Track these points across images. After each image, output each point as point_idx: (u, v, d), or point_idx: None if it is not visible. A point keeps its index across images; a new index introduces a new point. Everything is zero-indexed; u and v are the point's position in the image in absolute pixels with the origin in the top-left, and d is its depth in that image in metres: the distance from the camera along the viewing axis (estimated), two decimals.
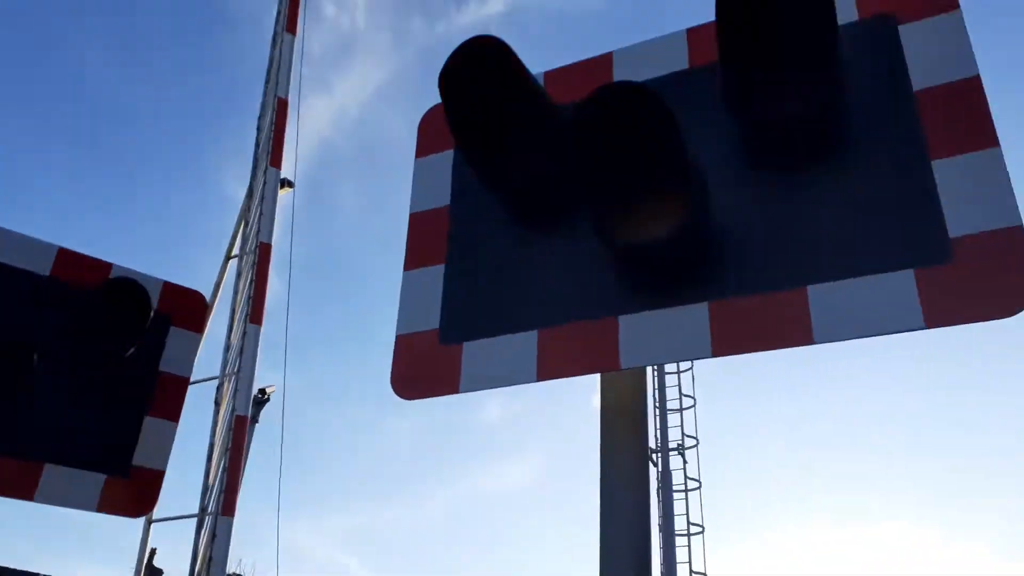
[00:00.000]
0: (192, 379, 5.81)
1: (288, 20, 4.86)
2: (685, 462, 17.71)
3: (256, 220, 5.55)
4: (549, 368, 1.77)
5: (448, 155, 2.16)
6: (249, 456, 17.13)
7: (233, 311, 5.40)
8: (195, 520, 5.22)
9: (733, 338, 1.61)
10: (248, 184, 5.47)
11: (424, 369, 1.90)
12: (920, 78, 1.64)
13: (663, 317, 1.70)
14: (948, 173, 1.55)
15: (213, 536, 5.11)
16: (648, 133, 1.49)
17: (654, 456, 18.03)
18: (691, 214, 1.62)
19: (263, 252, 5.42)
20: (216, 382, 5.44)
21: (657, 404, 18.25)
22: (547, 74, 2.13)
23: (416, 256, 2.07)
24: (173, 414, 3.01)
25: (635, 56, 2.00)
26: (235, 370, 5.25)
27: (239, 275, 5.46)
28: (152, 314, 2.76)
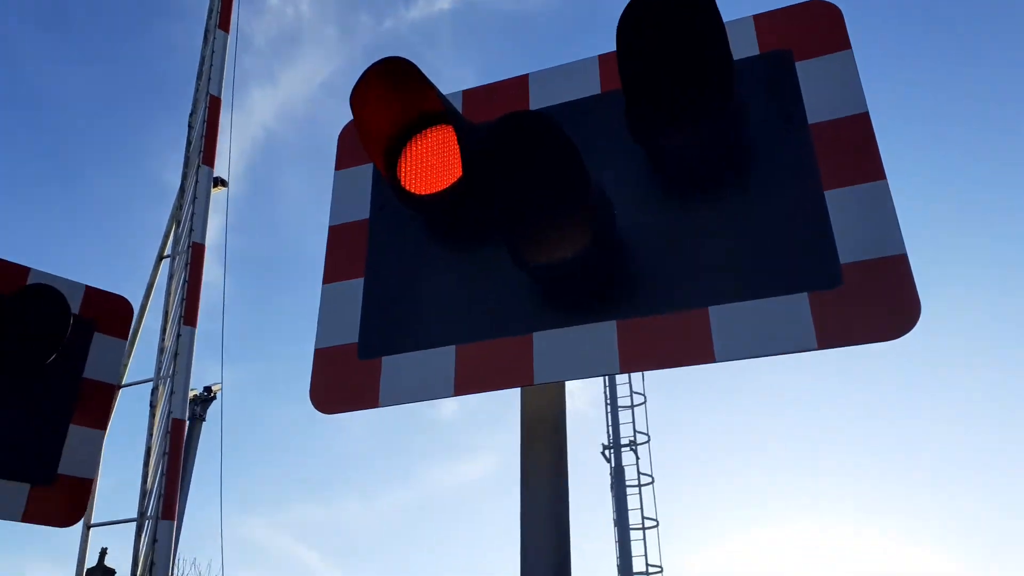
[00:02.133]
0: (127, 382, 5.72)
1: (221, 17, 4.78)
2: (638, 458, 18.01)
3: (188, 219, 5.46)
4: (466, 383, 1.81)
5: (368, 168, 2.18)
6: (197, 454, 16.86)
7: (166, 313, 5.31)
8: (134, 524, 5.15)
9: (639, 355, 1.68)
10: (180, 183, 5.37)
11: (343, 383, 1.93)
12: (814, 112, 1.72)
13: (574, 334, 1.75)
14: (839, 203, 1.63)
15: (154, 540, 5.04)
16: (550, 161, 1.54)
17: (607, 452, 18.30)
18: (597, 236, 1.67)
19: (196, 252, 5.35)
20: (151, 385, 5.36)
21: (608, 401, 18.52)
22: (465, 92, 2.16)
23: (335, 270, 2.09)
24: (100, 422, 2.96)
25: (550, 79, 2.04)
26: (170, 373, 5.18)
27: (171, 276, 5.37)
28: (72, 321, 2.72)
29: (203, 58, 4.85)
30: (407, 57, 1.78)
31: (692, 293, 1.68)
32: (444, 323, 1.89)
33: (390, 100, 1.77)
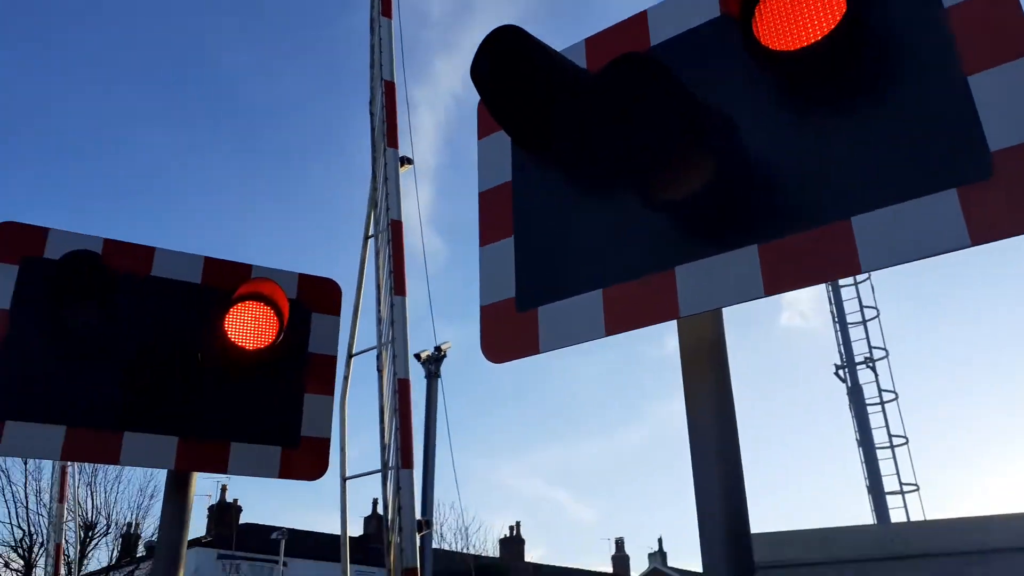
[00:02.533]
0: (356, 351, 6.40)
1: (383, 5, 5.08)
2: (876, 375, 16.95)
3: (384, 199, 5.93)
4: (615, 323, 1.88)
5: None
6: (439, 407, 18.34)
7: (378, 286, 5.85)
8: (380, 475, 5.83)
9: (783, 276, 1.65)
10: (371, 167, 5.84)
11: (507, 335, 2.08)
12: None
13: (716, 264, 1.75)
14: (984, 86, 1.49)
15: (398, 488, 5.67)
16: (660, 98, 1.55)
17: (840, 372, 17.34)
18: (726, 164, 1.66)
19: (395, 229, 5.81)
20: (376, 351, 5.97)
21: (836, 320, 17.50)
22: (587, 41, 2.18)
23: (488, 232, 2.23)
24: (328, 389, 3.39)
25: (667, 10, 2.01)
26: (390, 339, 5.72)
27: (377, 252, 5.89)
28: (290, 306, 3.12)
29: (372, 47, 5.20)
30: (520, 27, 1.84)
31: (832, 206, 1.62)
32: (589, 269, 1.97)
33: (505, 72, 1.85)
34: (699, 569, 1.81)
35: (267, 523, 33.28)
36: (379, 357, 5.83)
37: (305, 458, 3.22)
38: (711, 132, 1.63)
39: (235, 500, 38.18)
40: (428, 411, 17.74)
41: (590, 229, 2.00)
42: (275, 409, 3.22)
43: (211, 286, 3.23)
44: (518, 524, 45.80)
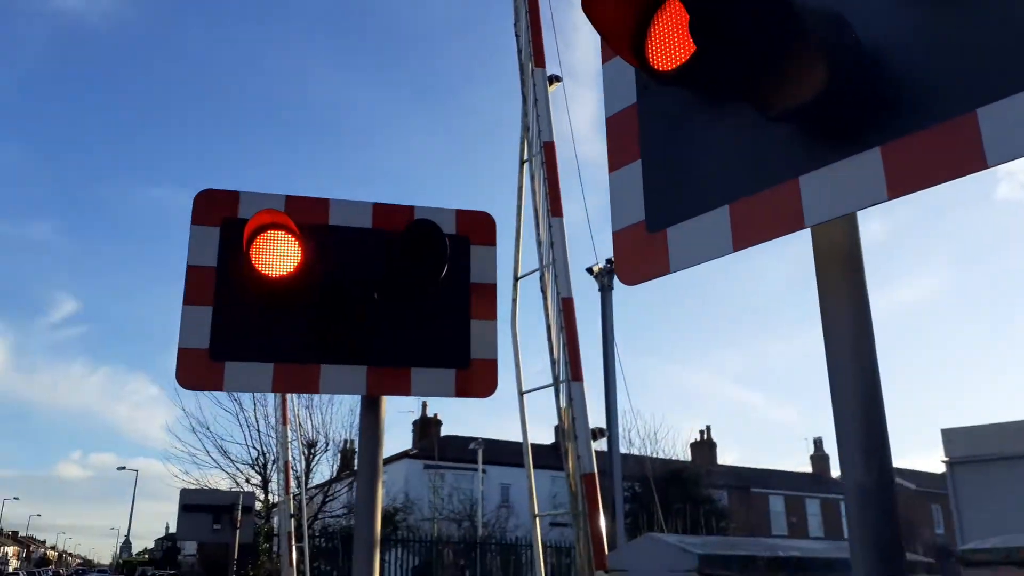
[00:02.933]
0: (521, 274, 6.69)
1: None
2: None
3: (535, 122, 6.04)
4: (742, 238, 1.93)
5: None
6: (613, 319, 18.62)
7: (535, 210, 6.03)
8: (552, 389, 6.15)
9: (905, 177, 1.62)
10: (521, 91, 5.94)
11: (639, 257, 2.18)
12: None
13: (838, 170, 1.74)
14: None
15: (570, 399, 5.99)
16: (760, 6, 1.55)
17: None
18: (839, 66, 1.63)
19: (548, 151, 5.92)
20: (538, 273, 6.21)
21: None
22: None
23: (616, 157, 2.31)
24: (490, 314, 3.66)
25: None
26: (551, 260, 5.93)
27: (532, 177, 6.04)
28: (449, 241, 3.38)
29: None
30: None
31: (954, 99, 1.55)
32: (714, 186, 2.01)
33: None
34: (909, 465, 1.85)
35: (466, 435, 35.68)
36: (542, 278, 6.07)
37: (476, 378, 3.53)
38: (821, 31, 1.60)
39: (435, 415, 41.22)
40: (604, 323, 18.02)
41: (713, 147, 2.03)
42: (446, 336, 3.54)
43: (380, 229, 3.55)
44: (708, 428, 45.87)
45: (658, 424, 55.78)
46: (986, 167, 1.50)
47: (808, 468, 50.51)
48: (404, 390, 3.45)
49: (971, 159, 1.52)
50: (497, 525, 28.46)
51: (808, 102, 1.70)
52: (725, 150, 1.99)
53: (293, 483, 18.43)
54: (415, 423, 41.57)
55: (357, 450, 3.57)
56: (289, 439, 17.56)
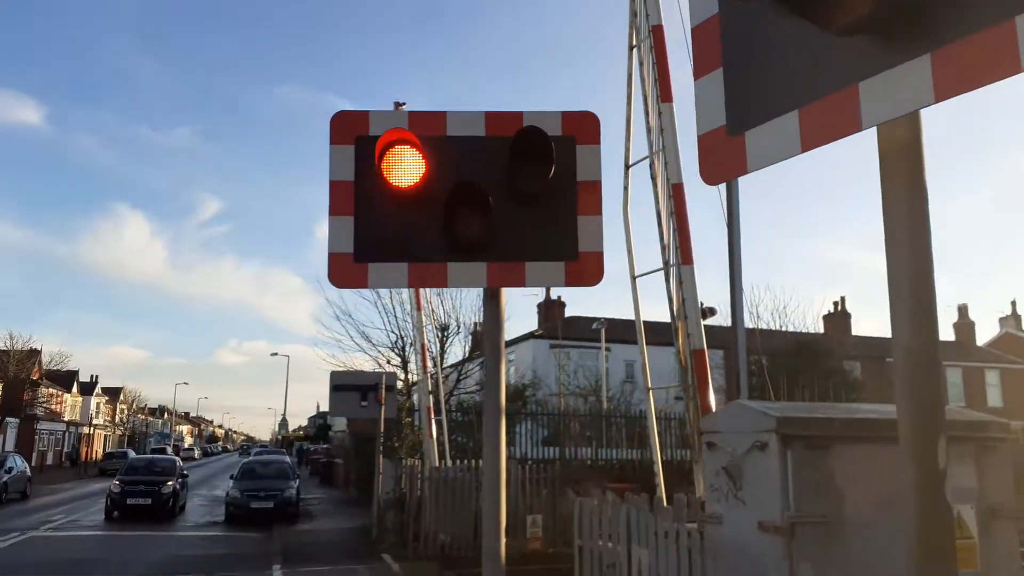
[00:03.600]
0: (632, 161, 6.87)
1: None
2: None
3: (643, 5, 6.03)
4: (809, 140, 2.16)
5: None
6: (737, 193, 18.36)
7: (644, 97, 6.12)
8: (663, 272, 6.43)
9: (950, 81, 1.80)
10: None
11: (720, 159, 2.44)
12: None
13: (892, 76, 1.93)
14: None
15: (680, 282, 6.27)
16: None
17: None
18: None
19: (657, 34, 5.93)
20: (648, 160, 6.36)
21: None
22: None
23: (700, 65, 2.53)
24: (596, 209, 3.98)
25: None
26: (661, 147, 6.08)
27: (641, 63, 6.09)
28: (555, 142, 3.69)
29: None
30: None
31: (993, 9, 1.71)
32: (785, 93, 2.22)
33: None
34: None
35: (590, 315, 36.49)
36: (652, 165, 6.23)
37: (584, 268, 3.91)
38: None
39: (559, 297, 42.28)
40: (729, 196, 17.76)
41: (784, 56, 2.23)
42: (556, 231, 3.91)
43: (493, 136, 3.90)
44: (843, 299, 44.64)
45: (788, 298, 54.60)
46: (1020, 72, 1.67)
47: (951, 336, 48.52)
48: (519, 282, 3.87)
49: (1009, 64, 1.69)
50: (622, 399, 29.51)
51: (862, 18, 1.88)
52: (794, 59, 2.19)
53: (430, 363, 19.85)
54: (539, 305, 42.90)
55: (484, 333, 4.08)
56: (423, 324, 18.77)
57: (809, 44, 2.14)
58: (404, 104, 15.95)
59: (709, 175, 2.49)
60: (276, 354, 79.74)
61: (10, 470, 32.53)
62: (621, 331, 34.13)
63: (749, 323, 21.15)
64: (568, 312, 41.81)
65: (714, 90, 2.48)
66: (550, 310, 41.68)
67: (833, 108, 2.09)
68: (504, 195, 3.79)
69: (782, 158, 2.25)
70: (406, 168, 3.74)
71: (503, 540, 3.82)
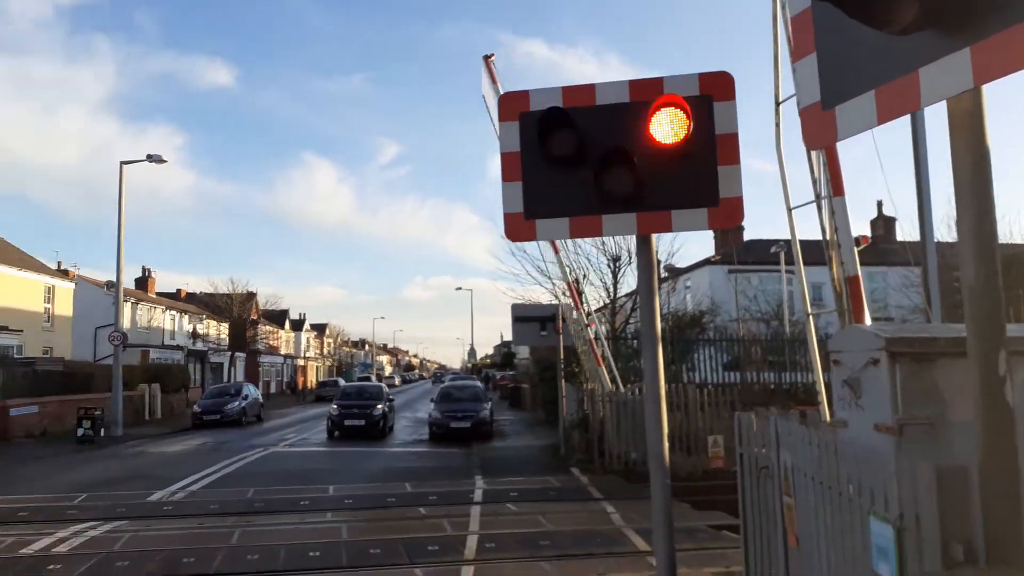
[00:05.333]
0: (780, 99, 7.06)
1: None
2: None
3: None
4: (883, 115, 2.61)
5: None
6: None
7: (789, 38, 6.30)
8: (814, 204, 6.66)
9: (988, 69, 2.22)
10: None
11: (818, 128, 2.92)
12: None
13: (942, 64, 2.35)
14: None
15: (832, 213, 6.49)
16: None
17: None
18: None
19: None
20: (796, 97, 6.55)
21: None
22: None
23: (799, 49, 2.99)
24: (734, 159, 4.45)
25: None
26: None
27: (784, 4, 6.24)
28: (691, 104, 4.21)
29: None
30: None
31: (1016, 11, 2.09)
32: (865, 75, 2.67)
33: None
34: None
35: (770, 237, 35.50)
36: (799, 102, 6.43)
37: (725, 212, 4.42)
38: None
39: None
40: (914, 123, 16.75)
41: (863, 45, 2.67)
42: (698, 181, 4.44)
43: (637, 101, 4.47)
44: None
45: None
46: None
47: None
48: (666, 227, 4.44)
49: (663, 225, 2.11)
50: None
51: (911, 23, 2.31)
52: (870, 47, 2.64)
53: (603, 293, 20.60)
54: (716, 232, 42.11)
55: (637, 273, 4.74)
56: (566, 264, 19.59)
57: (880, 35, 2.58)
58: (492, 56, 18.07)
59: (811, 142, 3.00)
60: (460, 288, 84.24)
61: (246, 397, 37.67)
62: (804, 253, 33.00)
63: (947, 237, 19.95)
64: (748, 236, 40.80)
65: (810, 71, 2.98)
66: (726, 235, 40.87)
67: (900, 90, 2.56)
68: (649, 152, 4.36)
69: (863, 129, 2.73)
70: (563, 137, 4.42)
71: (666, 448, 4.43)
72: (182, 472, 18.25)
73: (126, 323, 34.54)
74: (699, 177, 4.45)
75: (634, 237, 4.62)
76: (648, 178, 4.38)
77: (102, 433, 27.34)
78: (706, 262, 37.41)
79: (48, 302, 42.75)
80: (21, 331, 38.24)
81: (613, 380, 18.64)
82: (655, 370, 4.48)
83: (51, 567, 9.09)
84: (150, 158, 30.71)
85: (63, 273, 47.28)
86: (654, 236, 4.61)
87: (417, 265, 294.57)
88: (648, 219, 4.41)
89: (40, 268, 43.18)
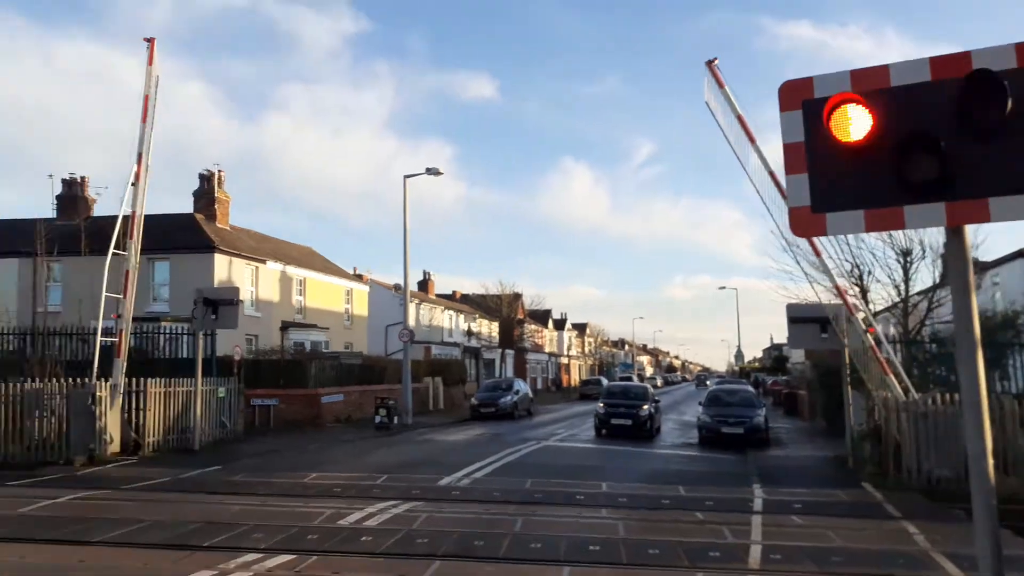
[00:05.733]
0: None
1: None
2: None
3: None
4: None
5: None
6: None
7: None
8: None
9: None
10: None
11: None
12: None
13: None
14: None
15: None
16: None
17: None
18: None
19: None
20: None
21: None
22: None
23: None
24: None
25: None
26: None
27: None
28: (1008, 79, 3.70)
29: None
30: None
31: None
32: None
33: None
34: None
35: None
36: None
37: None
38: None
39: None
40: None
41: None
42: (1020, 165, 3.85)
43: (940, 80, 4.01)
44: None
45: None
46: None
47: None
48: (984, 218, 3.88)
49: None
50: None
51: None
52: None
53: (892, 291, 18.71)
54: None
55: (949, 271, 4.25)
56: (826, 264, 17.77)
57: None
58: (715, 60, 17.04)
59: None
60: (724, 287, 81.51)
61: (517, 392, 39.82)
62: None
63: None
64: None
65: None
66: None
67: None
68: (959, 135, 3.91)
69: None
70: (853, 124, 4.11)
71: (990, 465, 3.93)
72: (466, 459, 19.72)
73: (412, 322, 38.08)
74: (1022, 159, 3.89)
75: (928, 228, 4.20)
76: (958, 163, 3.92)
77: (395, 421, 30.50)
78: (1018, 254, 32.38)
79: (347, 303, 48.67)
80: (327, 328, 43.88)
81: (906, 389, 16.87)
82: (974, 377, 4.01)
83: (363, 539, 10.29)
84: (428, 171, 33.70)
85: (358, 277, 53.65)
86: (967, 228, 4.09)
87: (673, 263, 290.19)
88: (960, 209, 3.89)
89: (340, 273, 49.37)
